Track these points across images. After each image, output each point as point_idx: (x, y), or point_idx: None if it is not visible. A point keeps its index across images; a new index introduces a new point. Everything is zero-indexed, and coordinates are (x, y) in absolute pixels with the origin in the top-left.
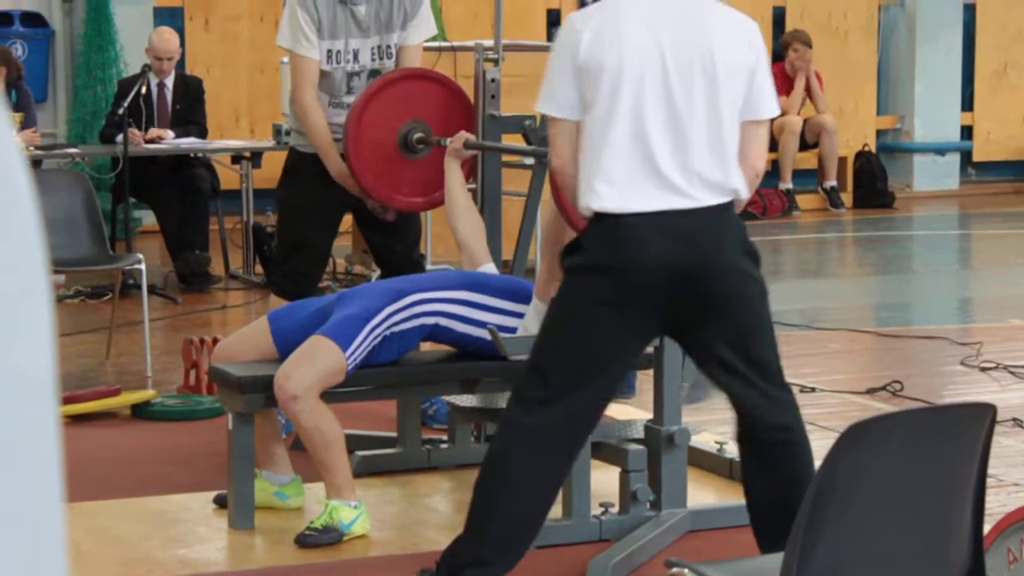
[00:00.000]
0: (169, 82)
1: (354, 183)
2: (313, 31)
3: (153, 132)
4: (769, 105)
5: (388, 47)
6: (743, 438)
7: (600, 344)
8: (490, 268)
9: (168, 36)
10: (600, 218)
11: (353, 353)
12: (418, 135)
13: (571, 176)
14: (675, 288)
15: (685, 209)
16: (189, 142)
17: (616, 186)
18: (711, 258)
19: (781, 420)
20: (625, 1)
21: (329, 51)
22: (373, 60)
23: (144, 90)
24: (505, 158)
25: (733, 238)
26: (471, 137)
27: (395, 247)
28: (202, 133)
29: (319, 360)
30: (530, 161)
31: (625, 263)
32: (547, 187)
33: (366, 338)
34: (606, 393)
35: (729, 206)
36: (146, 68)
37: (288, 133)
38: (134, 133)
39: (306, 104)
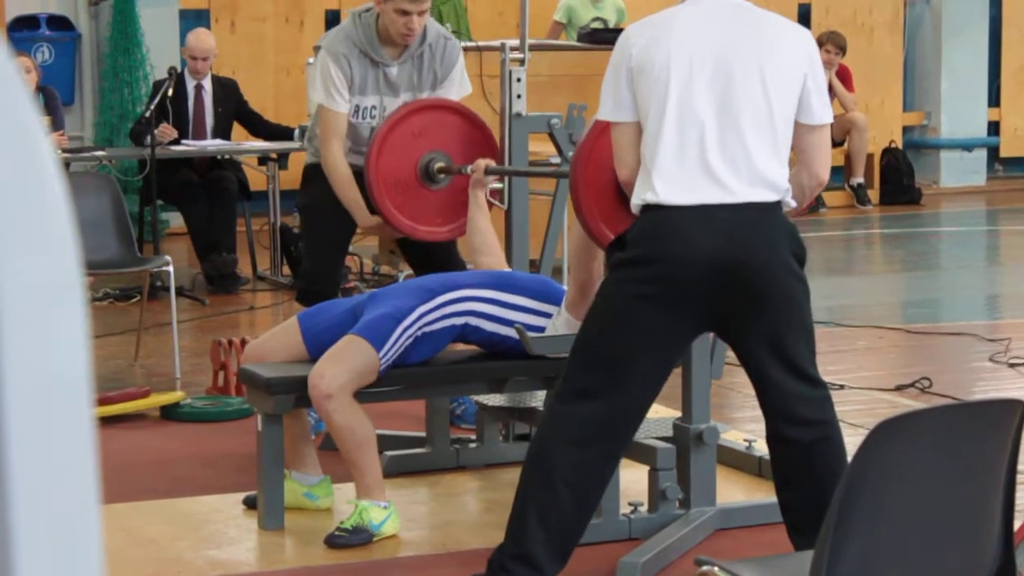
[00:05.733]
0: (207, 84)
1: (385, 231)
2: (345, 88)
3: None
4: (828, 111)
5: None
6: (774, 437)
7: (640, 337)
8: None
9: (203, 36)
10: (646, 211)
11: (386, 353)
12: (439, 164)
13: None
14: (718, 283)
15: (730, 204)
16: (216, 144)
17: (665, 179)
18: (756, 254)
19: (814, 416)
20: (680, 11)
21: (357, 107)
22: None
23: (171, 92)
24: (532, 157)
25: (781, 236)
26: (491, 163)
27: (429, 254)
28: (271, 135)
29: (353, 359)
30: (557, 160)
31: (668, 257)
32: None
33: (399, 338)
34: (648, 391)
35: (777, 205)
36: (172, 71)
37: (306, 139)
38: (165, 128)
39: (334, 159)
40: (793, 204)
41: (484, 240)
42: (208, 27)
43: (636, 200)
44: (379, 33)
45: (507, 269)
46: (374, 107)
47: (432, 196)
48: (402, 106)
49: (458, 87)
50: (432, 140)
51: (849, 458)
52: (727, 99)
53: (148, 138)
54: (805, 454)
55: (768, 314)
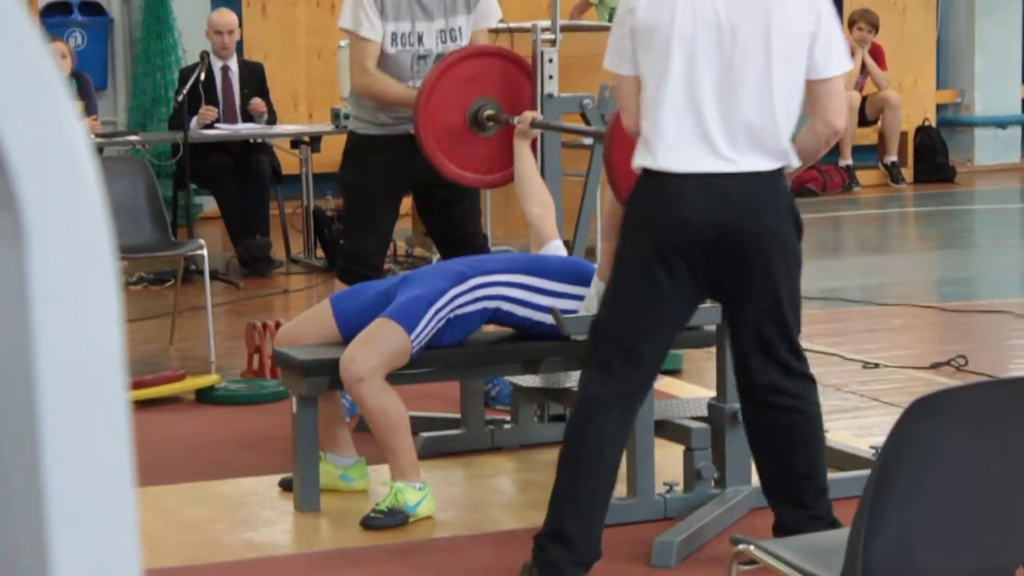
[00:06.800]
0: (234, 66)
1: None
2: (376, 13)
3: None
4: (837, 63)
5: (453, 30)
6: (751, 401)
7: (646, 305)
8: (557, 244)
9: (224, 10)
10: (647, 175)
11: (418, 335)
12: (488, 112)
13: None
14: (717, 247)
15: (729, 172)
16: (249, 127)
17: (665, 146)
18: (755, 221)
19: (793, 387)
20: None
21: (394, 33)
22: (438, 44)
23: (203, 76)
24: (564, 138)
25: (779, 204)
26: (538, 116)
27: (451, 233)
28: (272, 120)
29: (385, 342)
30: (589, 141)
31: (668, 218)
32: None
33: (431, 320)
34: (657, 359)
35: (778, 174)
36: (204, 55)
37: (347, 117)
38: (206, 109)
39: (371, 79)
40: (796, 164)
41: (532, 189)
42: (239, 11)
43: (636, 163)
44: None
45: (552, 220)
46: (409, 33)
47: (480, 143)
48: (456, 50)
49: (491, 12)
50: (483, 87)
51: (886, 436)
52: (729, 67)
53: (184, 121)
54: (780, 420)
55: (765, 281)
